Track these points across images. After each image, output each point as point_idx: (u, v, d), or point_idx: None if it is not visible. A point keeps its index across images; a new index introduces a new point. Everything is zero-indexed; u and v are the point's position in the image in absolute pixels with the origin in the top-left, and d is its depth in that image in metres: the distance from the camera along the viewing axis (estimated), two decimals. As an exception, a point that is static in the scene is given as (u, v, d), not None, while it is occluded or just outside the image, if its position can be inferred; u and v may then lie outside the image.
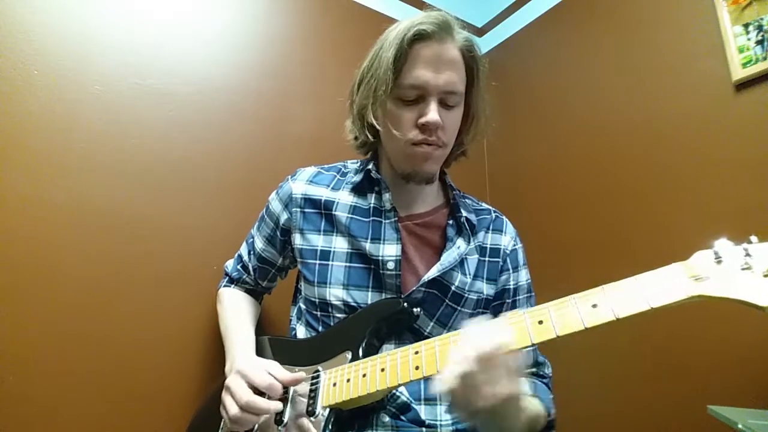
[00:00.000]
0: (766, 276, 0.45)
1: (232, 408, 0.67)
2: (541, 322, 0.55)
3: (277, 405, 0.66)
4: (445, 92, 0.74)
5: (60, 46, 0.99)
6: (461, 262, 0.81)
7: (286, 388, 0.71)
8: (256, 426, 0.70)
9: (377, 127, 0.77)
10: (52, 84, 0.97)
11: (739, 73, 1.03)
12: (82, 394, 0.90)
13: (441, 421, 0.74)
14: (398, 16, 1.54)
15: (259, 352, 0.83)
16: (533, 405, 0.71)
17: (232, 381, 0.69)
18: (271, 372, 0.69)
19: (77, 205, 0.96)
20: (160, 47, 1.12)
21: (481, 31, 1.82)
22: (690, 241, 0.53)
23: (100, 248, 0.96)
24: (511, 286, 0.86)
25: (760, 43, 1.01)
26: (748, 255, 0.47)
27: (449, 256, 0.79)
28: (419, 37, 0.73)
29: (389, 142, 0.80)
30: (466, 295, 0.80)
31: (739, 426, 0.67)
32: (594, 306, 0.52)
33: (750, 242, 0.48)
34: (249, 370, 0.69)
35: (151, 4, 1.13)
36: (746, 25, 1.03)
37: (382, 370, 0.63)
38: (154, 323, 0.99)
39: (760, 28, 1.01)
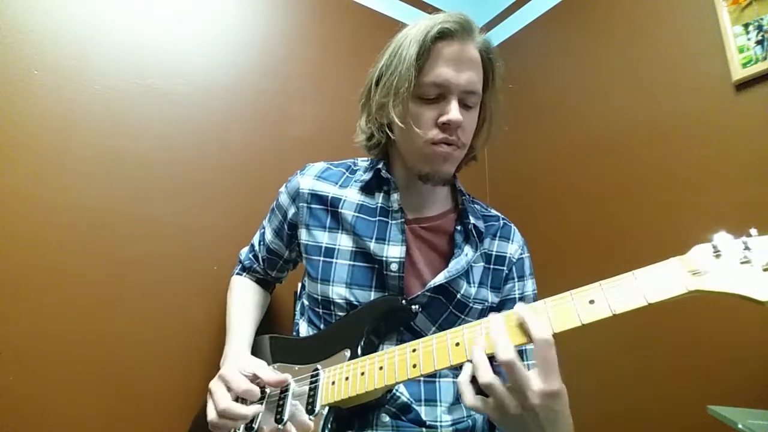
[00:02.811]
0: (766, 270, 0.44)
1: (210, 413, 0.68)
2: None
3: (255, 409, 0.67)
4: (466, 92, 0.73)
5: (60, 46, 0.99)
6: (467, 271, 0.79)
7: (285, 387, 0.71)
8: (256, 425, 0.70)
9: (399, 124, 0.74)
10: (52, 84, 0.97)
11: (739, 73, 1.03)
12: (83, 395, 0.90)
13: (441, 422, 0.74)
14: (398, 16, 1.54)
15: (258, 351, 0.83)
16: None
17: (214, 385, 0.70)
18: (257, 373, 0.69)
19: (77, 205, 0.96)
20: (160, 47, 1.12)
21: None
22: (691, 242, 0.52)
23: (100, 248, 0.97)
24: (516, 295, 0.84)
25: (760, 43, 1.01)
26: (747, 249, 0.46)
27: (457, 264, 0.77)
28: (442, 35, 0.72)
29: (406, 142, 0.77)
30: (470, 304, 0.79)
31: (739, 426, 0.67)
32: (591, 302, 0.51)
33: (749, 236, 0.47)
34: (229, 374, 0.70)
35: (151, 4, 1.13)
36: (746, 25, 1.03)
37: (381, 368, 0.63)
38: (154, 323, 0.99)
39: (760, 28, 1.01)
